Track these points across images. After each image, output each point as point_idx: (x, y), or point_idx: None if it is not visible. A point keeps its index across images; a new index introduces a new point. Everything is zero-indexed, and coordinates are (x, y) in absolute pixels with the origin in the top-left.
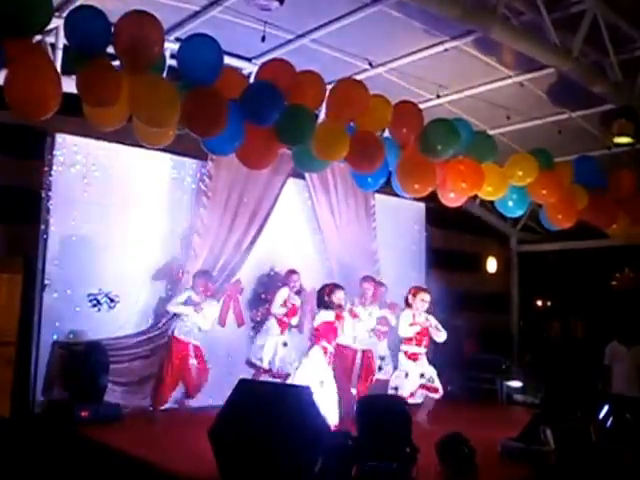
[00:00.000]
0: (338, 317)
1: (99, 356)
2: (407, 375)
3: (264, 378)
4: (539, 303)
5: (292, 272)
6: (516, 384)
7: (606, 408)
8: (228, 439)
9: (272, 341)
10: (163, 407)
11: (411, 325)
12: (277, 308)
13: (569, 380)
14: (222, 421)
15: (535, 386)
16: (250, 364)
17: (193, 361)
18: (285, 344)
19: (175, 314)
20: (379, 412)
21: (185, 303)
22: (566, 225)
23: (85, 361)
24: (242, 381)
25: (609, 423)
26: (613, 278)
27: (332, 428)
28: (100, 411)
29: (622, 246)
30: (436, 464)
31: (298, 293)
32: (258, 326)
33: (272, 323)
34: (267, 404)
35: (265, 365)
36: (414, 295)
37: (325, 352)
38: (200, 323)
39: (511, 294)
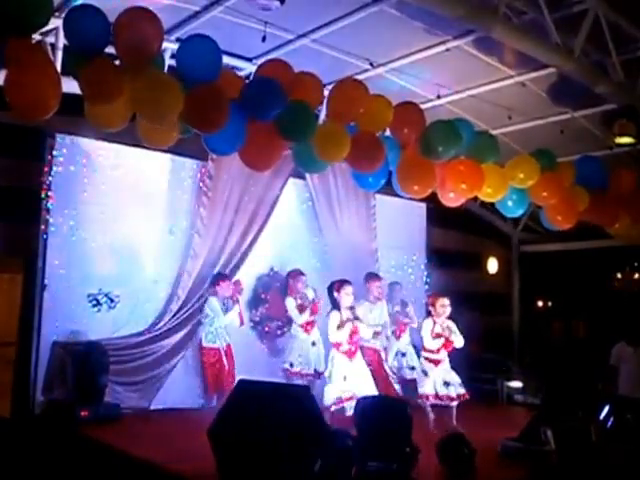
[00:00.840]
0: (353, 333)
1: (99, 356)
2: (426, 374)
3: (297, 380)
4: (540, 303)
5: (300, 273)
6: (517, 384)
7: (607, 408)
8: (227, 438)
9: (299, 345)
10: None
11: (434, 335)
12: (298, 318)
13: (570, 380)
14: (222, 420)
15: (535, 386)
16: (290, 373)
17: (226, 363)
18: (314, 343)
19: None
20: (379, 412)
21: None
22: (566, 226)
23: (85, 361)
24: (242, 381)
25: (609, 423)
26: (615, 279)
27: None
28: (100, 411)
29: (624, 246)
30: (436, 465)
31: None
32: (257, 326)
33: (294, 328)
34: (267, 404)
35: (295, 369)
36: (433, 304)
37: (348, 353)
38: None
39: (512, 294)
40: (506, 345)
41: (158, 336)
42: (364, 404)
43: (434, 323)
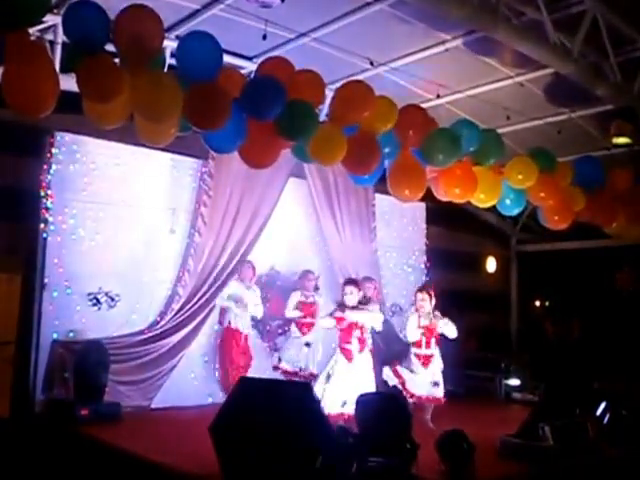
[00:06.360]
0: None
1: (99, 355)
2: (414, 372)
3: (280, 377)
4: (538, 303)
5: (308, 272)
6: (515, 382)
7: (603, 405)
8: (229, 435)
9: (295, 344)
10: None
11: (417, 328)
12: (290, 312)
13: (567, 378)
14: (223, 417)
15: (533, 384)
16: (275, 368)
17: (245, 350)
18: (308, 344)
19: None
20: (379, 409)
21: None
22: (562, 226)
23: (85, 360)
24: (243, 379)
25: (606, 420)
26: (614, 277)
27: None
28: (100, 410)
29: (623, 246)
30: (436, 460)
31: (317, 289)
32: (258, 325)
33: (292, 327)
34: (268, 400)
35: (290, 368)
36: (415, 298)
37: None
38: (253, 313)
39: (510, 294)
40: (504, 343)
41: (159, 335)
42: (364, 400)
43: (418, 318)
